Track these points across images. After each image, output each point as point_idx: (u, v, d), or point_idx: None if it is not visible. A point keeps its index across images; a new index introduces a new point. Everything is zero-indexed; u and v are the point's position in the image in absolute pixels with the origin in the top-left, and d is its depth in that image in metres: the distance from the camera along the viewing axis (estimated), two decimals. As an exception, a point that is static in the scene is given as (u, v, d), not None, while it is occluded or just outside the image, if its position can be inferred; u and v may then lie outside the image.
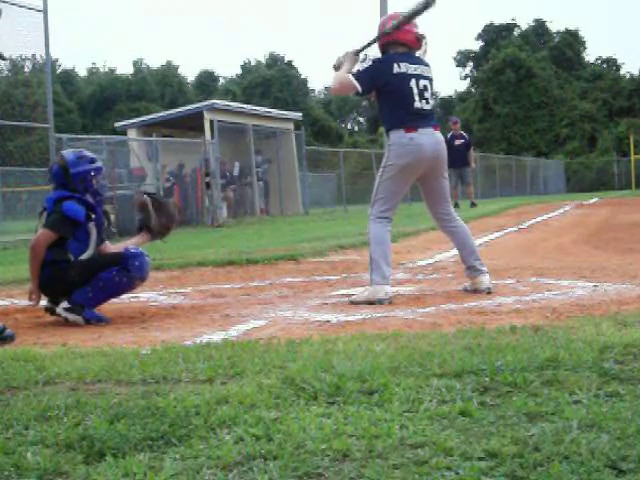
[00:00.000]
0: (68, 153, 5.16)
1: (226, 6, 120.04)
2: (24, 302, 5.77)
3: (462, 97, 68.56)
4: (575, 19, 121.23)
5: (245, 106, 26.01)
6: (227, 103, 25.93)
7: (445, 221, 5.50)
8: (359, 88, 5.16)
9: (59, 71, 62.06)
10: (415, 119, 5.19)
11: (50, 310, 4.91)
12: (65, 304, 4.79)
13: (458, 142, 20.12)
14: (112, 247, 5.16)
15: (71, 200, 4.93)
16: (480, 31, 69.10)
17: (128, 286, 4.90)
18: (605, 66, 66.62)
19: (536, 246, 9.40)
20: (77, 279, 4.82)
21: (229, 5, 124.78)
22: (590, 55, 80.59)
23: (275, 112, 26.69)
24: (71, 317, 4.76)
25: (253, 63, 73.93)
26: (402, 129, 5.19)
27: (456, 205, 19.91)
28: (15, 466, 2.05)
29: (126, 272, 4.83)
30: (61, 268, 4.84)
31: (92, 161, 5.11)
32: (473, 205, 19.97)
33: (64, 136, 16.42)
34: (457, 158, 19.96)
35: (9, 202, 20.45)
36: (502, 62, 60.25)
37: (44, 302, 4.98)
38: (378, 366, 2.82)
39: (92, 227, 5.00)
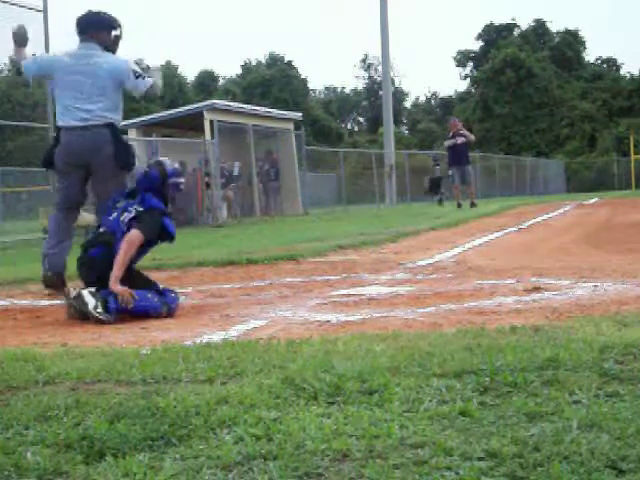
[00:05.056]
0: (167, 163, 5.37)
1: (226, 6, 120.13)
2: (24, 302, 5.78)
3: (462, 97, 68.58)
4: (575, 19, 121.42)
5: (245, 106, 26.01)
6: (227, 103, 25.93)
7: None
8: None
9: (59, 71, 62.00)
10: None
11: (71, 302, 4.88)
12: (97, 306, 4.73)
13: (460, 140, 20.24)
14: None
15: (167, 217, 5.17)
16: (480, 31, 69.11)
17: (155, 311, 4.85)
18: (605, 66, 66.63)
19: (536, 246, 9.40)
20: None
21: (229, 5, 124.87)
22: (590, 55, 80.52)
23: (275, 112, 26.69)
24: (103, 317, 4.71)
25: (253, 63, 73.95)
26: None
27: (459, 206, 19.94)
28: (15, 466, 2.05)
29: (163, 299, 4.90)
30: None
31: (181, 174, 5.44)
32: (473, 205, 19.96)
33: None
34: (459, 156, 20.07)
35: (9, 202, 20.45)
36: (502, 62, 60.25)
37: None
38: (378, 366, 2.82)
39: (154, 245, 5.25)
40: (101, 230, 5.20)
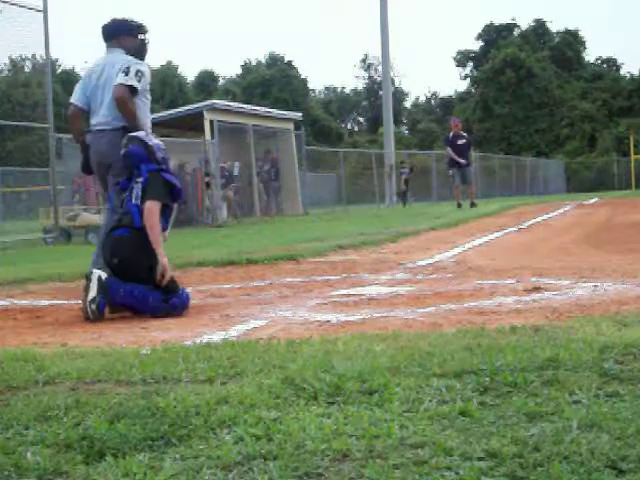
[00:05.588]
0: (136, 134, 5.35)
1: (226, 6, 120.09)
2: (24, 302, 5.77)
3: (462, 97, 68.62)
4: (575, 19, 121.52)
5: (245, 106, 26.03)
6: (227, 103, 25.95)
7: None
8: None
9: (59, 71, 62.00)
10: None
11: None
12: (95, 300, 4.76)
13: (460, 142, 20.27)
14: None
15: (167, 173, 5.15)
16: (480, 31, 69.18)
17: (154, 312, 4.86)
18: (605, 66, 66.69)
19: (536, 246, 9.40)
20: (136, 265, 4.90)
21: (229, 5, 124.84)
22: (590, 55, 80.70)
23: (275, 112, 26.71)
24: (91, 316, 4.72)
25: (253, 63, 73.97)
26: None
27: (459, 206, 19.96)
28: (15, 466, 2.04)
29: (165, 299, 4.88)
30: (142, 247, 4.93)
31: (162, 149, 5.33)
32: (473, 205, 19.98)
33: (64, 136, 16.42)
34: (460, 157, 20.11)
35: (9, 202, 20.46)
36: (502, 62, 60.30)
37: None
38: (378, 366, 2.81)
39: (174, 207, 5.22)
40: (120, 216, 5.15)
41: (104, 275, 4.82)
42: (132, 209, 5.05)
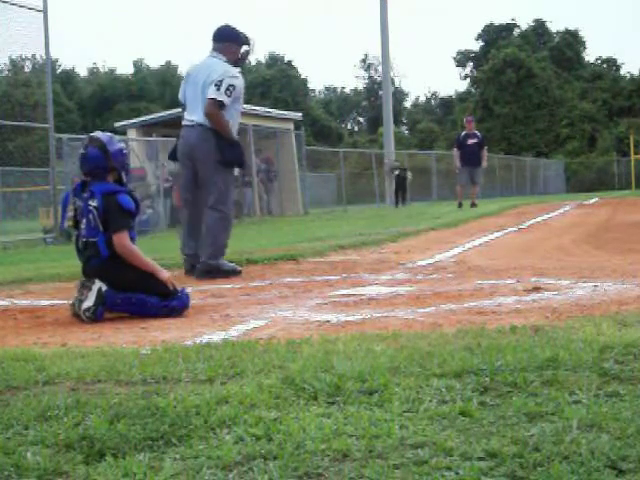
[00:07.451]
0: (100, 135, 5.10)
1: (226, 6, 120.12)
2: (24, 302, 5.77)
3: (462, 97, 68.66)
4: (575, 19, 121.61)
5: (245, 106, 25.99)
6: (227, 103, 25.95)
7: None
8: None
9: (59, 71, 62.08)
10: None
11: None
12: (90, 309, 4.74)
13: (471, 141, 20.19)
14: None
15: (122, 194, 4.95)
16: (480, 31, 69.22)
17: (153, 314, 4.83)
18: (605, 66, 66.70)
19: (536, 246, 9.39)
20: (126, 283, 4.85)
21: (229, 5, 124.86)
22: (590, 55, 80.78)
23: (275, 112, 26.75)
24: (86, 320, 4.71)
25: (253, 63, 73.97)
26: None
27: (460, 205, 19.96)
28: (15, 466, 2.04)
29: (164, 305, 4.85)
30: (118, 265, 4.86)
31: (119, 140, 5.17)
32: (473, 205, 19.98)
33: (64, 136, 16.43)
34: (470, 157, 20.02)
35: (9, 202, 20.44)
36: (502, 62, 60.31)
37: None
38: (378, 366, 2.81)
39: (135, 222, 5.13)
40: (86, 240, 4.94)
41: (104, 287, 4.79)
42: (98, 240, 4.86)
